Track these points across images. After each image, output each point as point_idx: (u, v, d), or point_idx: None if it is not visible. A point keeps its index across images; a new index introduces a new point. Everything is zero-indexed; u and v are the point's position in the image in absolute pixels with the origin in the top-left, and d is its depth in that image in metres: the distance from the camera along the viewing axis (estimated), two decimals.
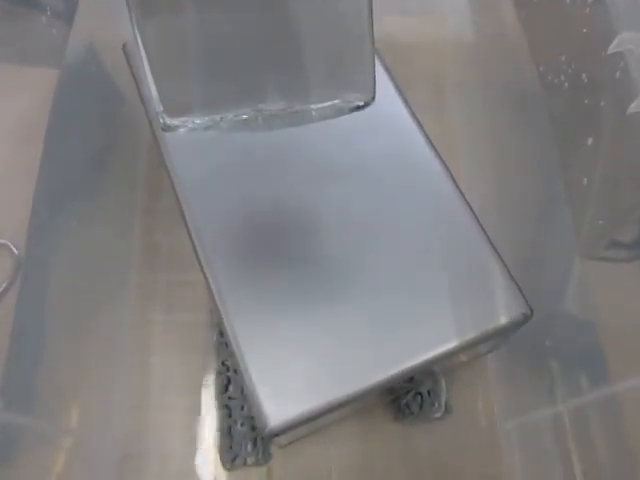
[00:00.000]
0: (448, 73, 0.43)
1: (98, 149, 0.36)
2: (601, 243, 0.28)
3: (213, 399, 0.35)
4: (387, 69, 0.34)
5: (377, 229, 0.29)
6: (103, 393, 0.36)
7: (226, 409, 0.34)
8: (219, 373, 0.35)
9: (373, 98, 0.22)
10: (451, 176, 0.31)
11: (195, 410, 0.35)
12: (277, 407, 0.26)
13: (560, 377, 0.30)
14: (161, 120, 0.22)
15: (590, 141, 0.25)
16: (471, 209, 0.30)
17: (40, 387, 0.33)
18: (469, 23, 0.43)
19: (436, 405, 0.34)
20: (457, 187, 0.30)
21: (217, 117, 0.22)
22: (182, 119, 0.22)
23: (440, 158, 0.31)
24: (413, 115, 0.33)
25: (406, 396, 0.34)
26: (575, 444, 0.29)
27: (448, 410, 0.34)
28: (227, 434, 0.34)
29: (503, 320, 0.28)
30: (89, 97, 0.35)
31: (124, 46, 0.35)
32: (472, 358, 0.34)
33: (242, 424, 0.34)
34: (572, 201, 0.28)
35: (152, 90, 0.21)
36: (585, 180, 0.26)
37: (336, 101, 0.22)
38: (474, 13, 0.42)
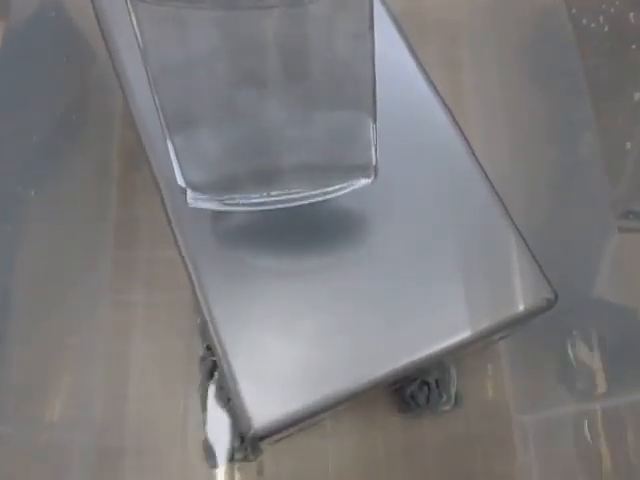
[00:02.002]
0: (463, 22, 0.38)
1: (63, 112, 0.32)
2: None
3: (198, 387, 0.32)
4: (395, 20, 0.30)
5: (378, 204, 0.26)
6: (79, 382, 0.33)
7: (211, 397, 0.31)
8: (203, 358, 0.32)
9: (376, 176, 0.23)
10: (466, 141, 0.27)
11: (178, 399, 0.32)
12: (263, 407, 0.23)
13: (584, 372, 0.27)
14: (186, 197, 0.23)
15: (637, 97, 0.21)
16: (488, 180, 0.26)
17: (6, 378, 0.30)
18: None
19: (445, 397, 0.30)
20: (472, 154, 0.27)
21: (235, 197, 0.24)
22: (206, 196, 0.23)
23: (454, 120, 0.27)
24: (423, 71, 0.29)
25: (411, 386, 0.30)
26: (603, 445, 0.26)
27: (458, 402, 0.31)
28: (212, 427, 0.31)
29: (523, 306, 0.24)
30: (47, 51, 0.31)
31: None
32: (486, 345, 0.31)
33: (229, 413, 0.31)
34: (610, 168, 0.24)
35: (174, 163, 0.22)
36: (629, 144, 0.22)
37: (344, 184, 0.23)
38: None
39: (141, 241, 0.35)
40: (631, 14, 0.21)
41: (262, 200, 0.24)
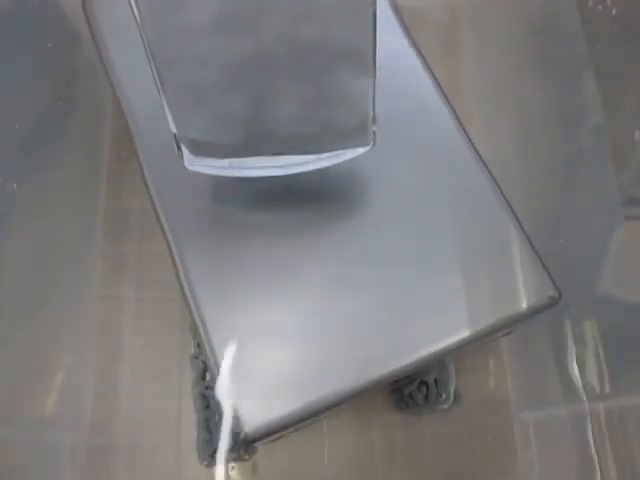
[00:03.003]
0: (464, 6, 0.37)
1: (48, 98, 0.31)
2: None
3: (190, 386, 0.31)
4: (395, 8, 0.29)
5: (376, 199, 0.25)
6: (68, 379, 0.32)
7: (203, 399, 0.31)
8: (195, 357, 0.31)
9: (374, 144, 0.24)
10: (466, 135, 0.26)
11: (170, 398, 0.32)
12: (254, 410, 0.22)
13: (587, 370, 0.26)
14: (184, 160, 0.23)
15: None
16: (489, 173, 0.25)
17: None
18: None
19: (444, 396, 0.30)
20: (473, 148, 0.26)
21: (235, 161, 0.24)
22: (203, 160, 0.24)
23: (454, 112, 0.26)
24: (421, 57, 0.28)
25: (410, 385, 0.29)
26: (605, 443, 0.25)
27: (457, 400, 0.30)
28: (205, 427, 0.30)
29: (526, 304, 0.24)
30: (31, 35, 0.30)
31: None
32: (488, 342, 0.30)
33: (221, 416, 0.30)
34: (617, 158, 0.23)
35: (173, 129, 0.23)
36: (637, 133, 0.21)
37: (341, 151, 0.24)
38: None
39: (131, 233, 0.34)
40: None
41: (258, 164, 0.24)
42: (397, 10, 0.29)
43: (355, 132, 0.23)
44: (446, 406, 0.30)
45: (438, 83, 0.27)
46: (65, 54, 0.33)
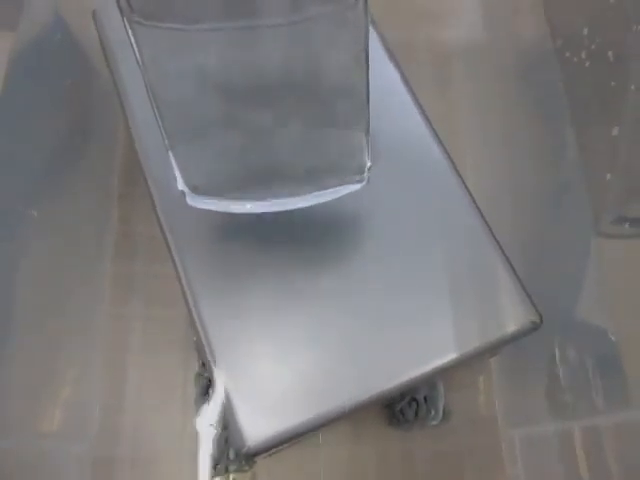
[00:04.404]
0: (453, 43, 0.39)
1: (66, 128, 0.32)
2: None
3: (193, 402, 0.33)
4: (383, 39, 0.30)
5: (368, 229, 0.27)
6: (76, 393, 0.33)
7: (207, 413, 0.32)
8: (199, 374, 0.32)
9: (368, 181, 0.25)
10: (453, 165, 0.28)
11: (174, 413, 0.33)
12: (256, 425, 0.24)
13: (572, 389, 0.28)
14: (186, 198, 0.24)
15: (616, 131, 0.22)
16: (475, 204, 0.27)
17: (5, 389, 0.30)
18: None
19: (433, 412, 0.31)
20: (459, 177, 0.28)
21: (234, 203, 0.25)
22: (202, 196, 0.24)
23: (441, 143, 0.28)
24: (410, 91, 0.30)
25: (400, 402, 0.31)
26: (586, 463, 0.26)
27: (446, 416, 0.32)
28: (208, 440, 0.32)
29: (510, 329, 0.25)
30: (53, 69, 0.32)
31: (94, 13, 0.31)
32: (475, 364, 0.31)
33: (224, 428, 0.32)
34: (592, 199, 0.25)
35: (174, 164, 0.23)
36: (608, 175, 0.22)
37: (337, 188, 0.25)
38: None
39: (139, 255, 0.36)
40: (609, 52, 0.22)
41: (259, 202, 0.25)
42: (388, 47, 0.31)
43: (350, 169, 0.24)
44: (436, 422, 0.31)
45: (428, 118, 0.29)
46: (81, 88, 0.35)
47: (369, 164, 0.24)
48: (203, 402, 0.32)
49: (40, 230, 0.30)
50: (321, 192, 0.25)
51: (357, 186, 0.25)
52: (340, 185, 0.25)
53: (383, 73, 0.30)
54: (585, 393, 0.27)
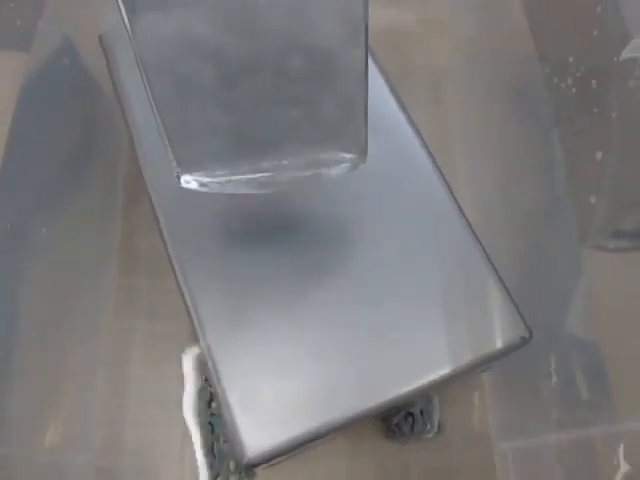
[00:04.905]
0: (447, 67, 0.40)
1: (73, 146, 0.34)
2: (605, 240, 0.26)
3: (195, 415, 0.33)
4: (378, 63, 0.32)
5: (365, 246, 0.27)
6: (79, 405, 0.34)
7: (209, 426, 0.33)
8: (202, 388, 0.33)
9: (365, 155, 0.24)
10: (447, 185, 0.29)
11: (176, 426, 0.34)
12: (256, 436, 0.25)
13: (562, 403, 0.28)
14: (176, 175, 0.23)
15: (599, 156, 0.23)
16: (467, 222, 0.28)
17: (8, 402, 0.31)
18: (470, 14, 0.40)
19: (428, 426, 0.32)
20: (453, 197, 0.28)
21: (230, 177, 0.24)
22: (196, 174, 0.23)
23: (437, 166, 0.29)
24: (406, 113, 0.31)
25: (397, 416, 0.32)
26: (578, 476, 0.27)
27: (441, 430, 0.33)
28: (209, 452, 0.32)
29: (500, 344, 0.26)
30: (63, 91, 0.33)
31: (101, 37, 0.32)
32: (468, 378, 0.32)
33: (225, 441, 0.32)
34: (579, 218, 0.26)
35: (165, 143, 0.22)
36: (593, 199, 0.23)
37: (334, 164, 0.24)
38: (475, 5, 0.40)
39: (142, 271, 0.37)
40: (593, 81, 0.23)
41: (253, 176, 0.24)
42: (383, 69, 0.32)
43: (348, 142, 0.23)
44: (431, 435, 0.32)
45: (423, 139, 0.30)
46: (88, 108, 0.36)
47: (366, 142, 0.23)
48: (205, 413, 0.33)
49: (44, 246, 0.31)
50: (318, 170, 0.24)
51: (354, 162, 0.24)
52: (337, 161, 0.24)
53: (377, 93, 0.30)
54: (575, 406, 0.28)
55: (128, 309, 0.36)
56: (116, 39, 0.32)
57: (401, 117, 0.30)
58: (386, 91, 0.31)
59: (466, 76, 0.39)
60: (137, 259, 0.37)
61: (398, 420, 0.32)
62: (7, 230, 0.27)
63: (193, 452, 0.33)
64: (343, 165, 0.24)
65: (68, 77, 0.34)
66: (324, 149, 0.24)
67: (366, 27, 0.20)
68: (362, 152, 0.24)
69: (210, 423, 0.33)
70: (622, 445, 0.23)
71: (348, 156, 0.24)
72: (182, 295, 0.28)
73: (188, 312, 0.27)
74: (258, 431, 0.25)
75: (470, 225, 0.28)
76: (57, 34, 0.32)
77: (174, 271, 0.28)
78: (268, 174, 0.24)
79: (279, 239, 0.28)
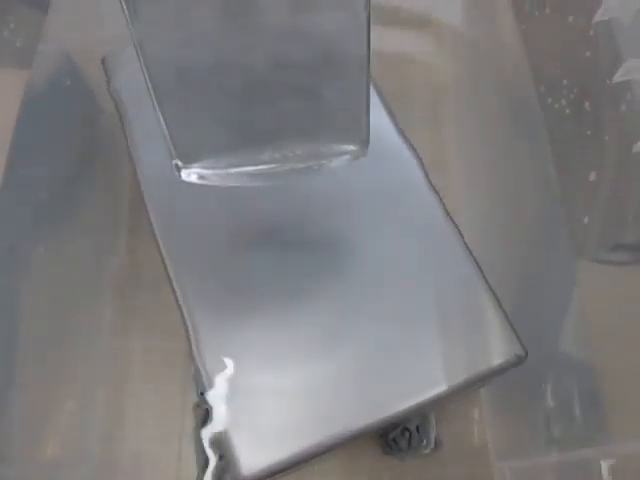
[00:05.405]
0: (444, 87, 0.41)
1: (73, 165, 0.34)
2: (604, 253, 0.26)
3: (191, 431, 0.33)
4: (374, 81, 0.32)
5: (360, 265, 0.28)
6: (76, 422, 0.34)
7: (204, 442, 0.33)
8: (197, 405, 0.33)
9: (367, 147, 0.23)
10: (442, 203, 0.29)
11: (172, 443, 0.34)
12: (252, 454, 0.25)
13: (559, 422, 0.28)
14: (175, 166, 0.23)
15: (593, 176, 0.23)
16: (463, 241, 0.28)
17: (7, 419, 0.31)
18: (467, 36, 0.41)
19: (425, 442, 0.32)
20: (449, 216, 0.29)
21: (231, 169, 0.23)
22: (196, 166, 0.23)
23: (431, 184, 0.29)
24: (401, 132, 0.31)
25: (393, 432, 0.32)
26: None
27: (438, 446, 0.33)
28: (204, 469, 0.32)
29: (495, 362, 0.26)
30: (64, 110, 0.33)
31: (103, 60, 0.33)
32: (464, 395, 0.32)
33: (220, 458, 0.32)
34: (573, 238, 0.26)
35: (166, 135, 0.22)
36: (586, 219, 0.24)
37: (335, 156, 0.23)
38: (472, 25, 0.40)
39: (141, 288, 0.37)
40: (586, 103, 0.24)
41: (253, 168, 0.24)
42: (378, 87, 0.32)
43: (349, 135, 0.23)
44: (427, 451, 0.32)
45: (419, 157, 0.30)
46: (89, 129, 0.36)
47: (368, 134, 0.23)
48: (201, 432, 0.33)
49: (44, 263, 0.31)
50: (319, 161, 0.24)
51: (355, 153, 0.24)
52: (339, 153, 0.24)
53: (372, 112, 0.31)
54: (571, 426, 0.28)
55: (126, 326, 0.36)
56: (118, 61, 0.33)
57: (397, 136, 0.31)
58: (382, 110, 0.32)
59: (462, 96, 0.39)
60: (136, 276, 0.37)
61: (395, 436, 0.32)
62: (7, 247, 0.27)
63: (189, 469, 0.33)
64: (344, 157, 0.24)
65: (69, 97, 0.34)
66: (325, 140, 0.24)
67: (368, 16, 0.20)
68: (363, 143, 0.23)
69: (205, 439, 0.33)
70: (617, 466, 0.23)
71: (349, 147, 0.24)
72: (180, 311, 0.28)
73: (185, 327, 0.27)
74: (254, 449, 0.25)
75: (466, 244, 0.28)
76: (58, 55, 0.32)
77: (173, 288, 0.28)
78: (269, 166, 0.23)
79: (278, 259, 0.28)
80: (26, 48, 0.30)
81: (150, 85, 0.21)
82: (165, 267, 0.29)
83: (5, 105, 0.30)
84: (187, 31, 0.20)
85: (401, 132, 0.31)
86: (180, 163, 0.23)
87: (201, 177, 0.24)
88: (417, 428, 0.32)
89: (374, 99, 0.31)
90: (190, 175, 0.24)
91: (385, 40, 0.41)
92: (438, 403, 0.26)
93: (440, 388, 0.26)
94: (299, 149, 0.23)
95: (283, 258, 0.28)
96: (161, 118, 0.22)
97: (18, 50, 0.30)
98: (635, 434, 0.22)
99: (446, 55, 0.41)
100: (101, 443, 0.34)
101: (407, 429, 0.32)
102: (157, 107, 0.22)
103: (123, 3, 0.19)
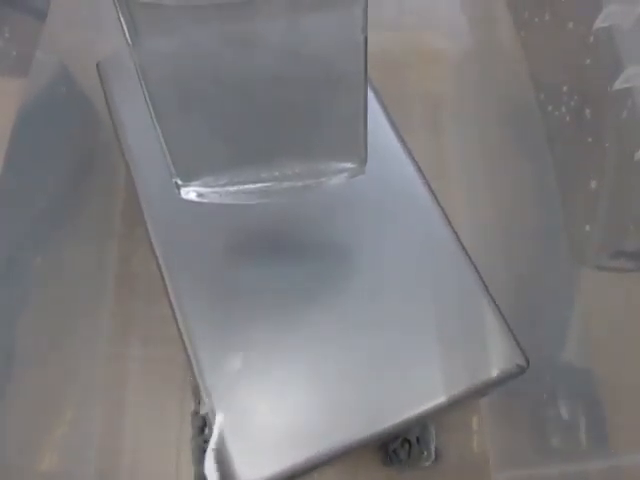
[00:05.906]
0: (444, 93, 0.41)
1: (69, 173, 0.34)
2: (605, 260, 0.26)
3: (189, 441, 0.33)
4: (374, 89, 0.32)
5: (360, 274, 0.27)
6: (74, 432, 0.34)
7: (201, 452, 0.32)
8: (195, 413, 0.33)
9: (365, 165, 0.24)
10: (443, 212, 0.29)
11: (170, 451, 0.33)
12: (250, 465, 0.24)
13: (560, 433, 0.28)
14: (175, 184, 0.23)
15: (594, 185, 0.23)
16: (464, 248, 0.28)
17: (4, 430, 0.31)
18: (466, 42, 0.41)
19: (425, 453, 0.32)
20: (449, 224, 0.28)
21: (230, 187, 0.24)
22: (195, 185, 0.23)
23: (432, 191, 0.29)
24: (401, 140, 0.31)
25: (394, 443, 0.31)
26: None
27: (438, 457, 0.32)
28: (202, 478, 0.32)
29: (497, 372, 0.26)
30: (60, 118, 0.33)
31: (98, 65, 0.33)
32: (464, 405, 0.32)
33: (218, 469, 0.32)
34: (574, 246, 0.26)
35: (165, 153, 0.22)
36: (587, 227, 0.23)
37: (333, 174, 0.24)
38: (472, 32, 0.40)
39: (139, 297, 0.37)
40: (587, 110, 0.23)
41: (252, 186, 0.24)
42: (379, 95, 0.32)
43: (347, 153, 0.24)
44: (428, 463, 0.32)
45: (418, 165, 0.30)
46: (84, 135, 0.36)
47: (366, 151, 0.24)
48: (199, 440, 0.33)
49: (42, 273, 0.31)
50: (318, 179, 0.24)
51: (354, 171, 0.24)
52: (337, 171, 0.24)
53: (373, 119, 0.30)
54: (572, 437, 0.27)
55: (124, 336, 0.36)
56: (113, 67, 0.32)
57: (397, 144, 0.31)
58: (382, 117, 0.31)
59: (462, 103, 0.39)
60: (134, 285, 0.37)
61: (395, 447, 0.31)
62: (4, 258, 0.27)
63: (187, 478, 0.32)
64: (342, 174, 0.24)
65: (65, 104, 0.34)
66: (323, 159, 0.24)
67: (365, 38, 0.20)
68: (362, 162, 0.24)
69: (203, 449, 0.32)
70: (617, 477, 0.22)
71: (348, 166, 0.24)
72: (176, 322, 0.28)
73: (181, 338, 0.27)
74: (252, 460, 0.24)
75: (467, 252, 0.28)
76: (54, 63, 0.32)
77: (169, 299, 0.28)
78: (267, 184, 0.24)
79: (275, 268, 0.28)
80: (22, 57, 0.30)
81: (150, 104, 0.21)
82: (162, 277, 0.29)
83: (1, 113, 0.30)
84: (187, 51, 0.20)
85: (401, 139, 0.31)
86: (180, 181, 0.23)
87: (200, 195, 0.24)
88: (417, 439, 0.32)
89: (374, 106, 0.31)
90: (189, 193, 0.24)
91: (385, 47, 0.41)
92: (438, 414, 0.26)
93: (440, 398, 0.25)
94: (297, 167, 0.24)
95: (281, 272, 0.28)
96: (160, 136, 0.22)
97: (14, 59, 0.30)
98: (636, 445, 0.22)
99: (445, 62, 0.41)
100: (99, 453, 0.34)
101: (407, 440, 0.31)
102: (156, 126, 0.22)
103: (124, 23, 0.19)
